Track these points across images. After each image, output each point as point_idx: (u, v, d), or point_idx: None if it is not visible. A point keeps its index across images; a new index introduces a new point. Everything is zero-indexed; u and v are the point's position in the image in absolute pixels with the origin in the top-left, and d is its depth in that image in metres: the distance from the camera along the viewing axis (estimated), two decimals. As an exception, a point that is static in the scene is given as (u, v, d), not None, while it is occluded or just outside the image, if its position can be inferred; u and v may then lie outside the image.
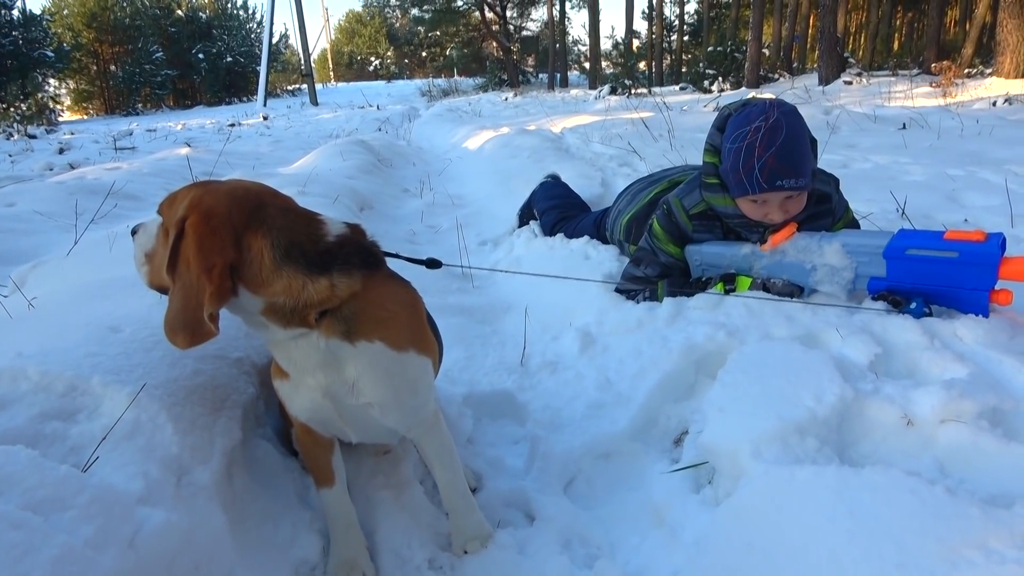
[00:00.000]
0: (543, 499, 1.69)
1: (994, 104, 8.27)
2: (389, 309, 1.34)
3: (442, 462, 1.53)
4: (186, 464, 1.39)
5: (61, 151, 10.65)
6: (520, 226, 3.97)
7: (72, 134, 15.38)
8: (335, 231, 1.32)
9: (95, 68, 35.94)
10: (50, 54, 26.65)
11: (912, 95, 10.17)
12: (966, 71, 12.47)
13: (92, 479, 1.16)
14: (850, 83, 13.16)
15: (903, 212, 3.25)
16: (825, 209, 2.33)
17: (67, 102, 34.84)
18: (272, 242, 1.23)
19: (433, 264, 1.69)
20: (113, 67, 35.83)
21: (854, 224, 2.50)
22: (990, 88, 9.97)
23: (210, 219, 1.21)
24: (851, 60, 16.87)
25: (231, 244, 1.22)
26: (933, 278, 1.99)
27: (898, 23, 30.54)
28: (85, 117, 33.02)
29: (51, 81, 29.84)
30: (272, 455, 1.70)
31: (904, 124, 6.70)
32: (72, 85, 35.66)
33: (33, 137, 14.12)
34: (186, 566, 1.24)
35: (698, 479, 1.68)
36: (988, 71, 11.71)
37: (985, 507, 1.19)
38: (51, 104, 23.38)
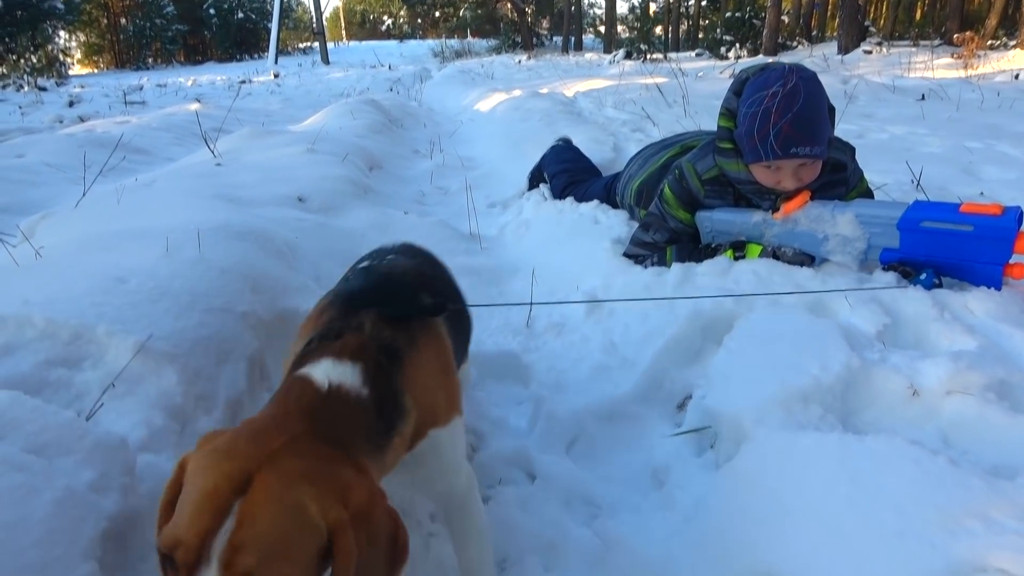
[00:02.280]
0: (545, 459, 1.69)
1: (1016, 77, 8.11)
2: (429, 386, 1.11)
3: (468, 539, 1.26)
4: (190, 413, 1.40)
5: (71, 104, 10.63)
6: (530, 189, 3.94)
7: (82, 87, 15.31)
8: (353, 377, 0.99)
9: (105, 21, 35.63)
10: (60, 6, 26.37)
11: (933, 66, 9.97)
12: (989, 43, 12.21)
13: (95, 425, 1.16)
14: (870, 52, 12.90)
15: (918, 184, 3.20)
16: (839, 178, 2.30)
17: (77, 55, 34.71)
18: (365, 454, 0.95)
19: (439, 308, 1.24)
20: (124, 20, 35.51)
21: (868, 194, 2.46)
22: (1013, 61, 9.77)
23: (374, 501, 0.89)
24: (872, 29, 16.52)
25: None
26: (947, 251, 1.97)
27: (922, -8, 29.86)
28: (95, 71, 32.87)
29: (61, 33, 29.63)
30: (276, 408, 1.71)
31: (923, 95, 6.58)
32: (82, 38, 35.44)
33: (43, 89, 14.09)
34: (189, 513, 1.25)
35: (700, 443, 1.69)
36: (1012, 43, 11.47)
37: (987, 478, 1.18)
38: (61, 57, 23.24)
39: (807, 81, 2.11)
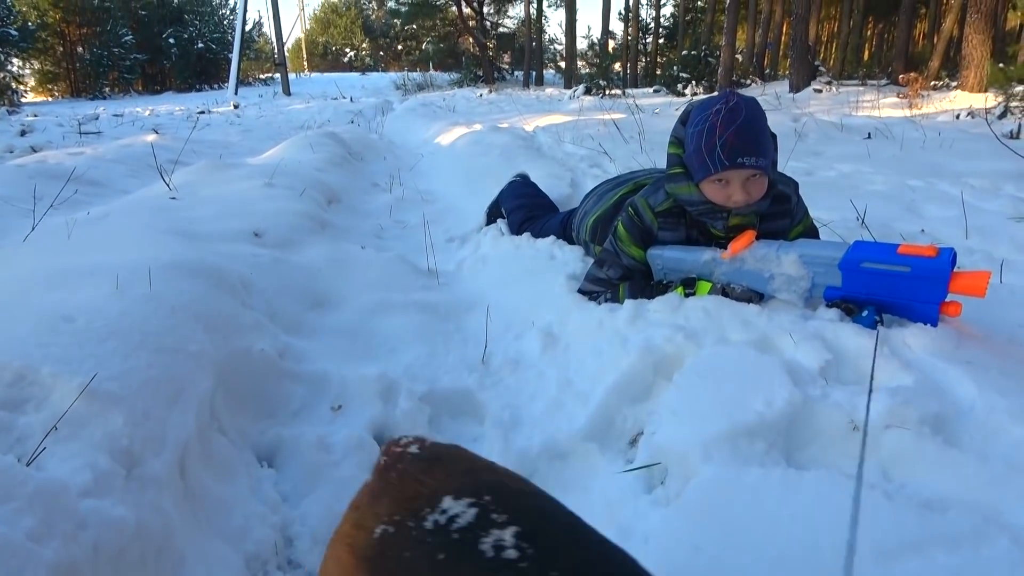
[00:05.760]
0: (498, 497, 1.69)
1: (957, 117, 8.46)
2: None
3: None
4: (137, 456, 1.38)
5: (23, 133, 10.41)
6: (488, 224, 3.98)
7: (35, 116, 15.03)
8: None
9: (61, 49, 35.02)
10: (14, 32, 25.96)
11: (879, 105, 10.36)
12: (932, 83, 12.75)
13: (37, 470, 1.14)
14: (820, 91, 13.36)
15: (863, 221, 3.32)
16: (784, 210, 2.38)
17: (31, 83, 34.02)
18: None
19: None
20: (80, 49, 34.97)
21: (813, 230, 2.54)
22: (954, 101, 10.20)
23: None
24: (822, 68, 17.12)
25: None
26: (887, 290, 2.04)
27: (868, 34, 31.11)
28: (49, 99, 32.24)
29: (14, 60, 29.07)
30: (226, 450, 1.69)
31: (869, 134, 6.82)
32: (37, 66, 34.73)
33: (-6, 118, 13.78)
34: (133, 559, 1.23)
35: (651, 480, 1.71)
36: (954, 84, 11.97)
37: (921, 511, 1.23)
38: (14, 84, 22.79)
39: (748, 101, 2.20)
